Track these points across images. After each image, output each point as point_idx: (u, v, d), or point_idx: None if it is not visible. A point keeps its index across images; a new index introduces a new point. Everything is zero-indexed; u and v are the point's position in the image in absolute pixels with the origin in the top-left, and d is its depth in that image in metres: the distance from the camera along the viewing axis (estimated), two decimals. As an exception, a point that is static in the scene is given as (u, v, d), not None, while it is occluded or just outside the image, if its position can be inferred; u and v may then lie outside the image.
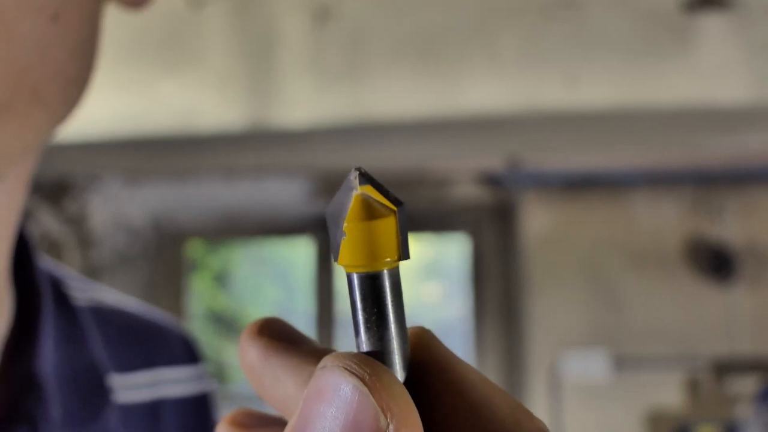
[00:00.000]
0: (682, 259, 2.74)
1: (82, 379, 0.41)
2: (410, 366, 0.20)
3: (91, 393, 0.41)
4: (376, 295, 0.20)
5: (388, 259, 0.20)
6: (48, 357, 0.39)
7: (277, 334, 0.22)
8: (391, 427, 0.18)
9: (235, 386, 3.24)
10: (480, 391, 0.20)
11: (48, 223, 2.94)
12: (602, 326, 2.73)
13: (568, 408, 2.69)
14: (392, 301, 0.20)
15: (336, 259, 0.20)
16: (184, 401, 0.47)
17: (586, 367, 2.66)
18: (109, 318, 0.46)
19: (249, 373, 0.22)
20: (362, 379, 0.18)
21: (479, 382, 0.20)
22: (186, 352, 0.50)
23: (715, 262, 2.70)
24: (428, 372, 0.20)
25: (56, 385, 0.39)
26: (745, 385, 2.64)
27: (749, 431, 2.49)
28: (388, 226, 0.20)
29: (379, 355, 0.20)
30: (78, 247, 2.94)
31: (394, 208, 0.20)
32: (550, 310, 2.75)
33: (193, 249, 3.16)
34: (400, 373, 0.20)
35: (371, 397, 0.18)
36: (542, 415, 2.72)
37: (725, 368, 2.66)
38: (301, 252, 3.18)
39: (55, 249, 2.91)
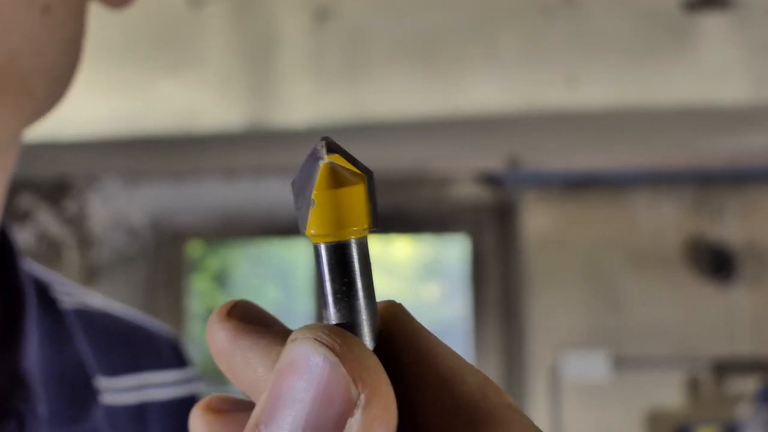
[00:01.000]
0: (682, 259, 2.74)
1: (69, 378, 0.41)
2: (380, 338, 0.20)
3: (79, 392, 0.41)
4: (345, 266, 0.19)
5: (356, 228, 0.19)
6: (33, 355, 0.39)
7: (246, 316, 0.21)
8: (362, 397, 0.17)
9: (234, 387, 3.24)
10: (448, 365, 0.20)
11: (48, 223, 2.94)
12: (602, 326, 2.73)
13: (568, 408, 2.69)
14: (361, 272, 0.20)
15: (303, 230, 0.20)
16: (170, 404, 0.47)
17: (586, 367, 2.66)
18: (95, 321, 0.46)
19: (218, 356, 0.21)
20: (332, 350, 0.18)
21: (448, 355, 0.20)
22: (173, 356, 0.50)
23: (715, 262, 2.70)
24: (397, 344, 0.20)
25: (42, 383, 0.39)
26: (745, 385, 2.64)
27: (749, 431, 2.49)
28: (357, 193, 0.19)
29: (348, 326, 0.19)
30: (78, 247, 2.94)
31: (364, 175, 0.19)
32: (550, 310, 2.75)
33: (193, 249, 3.15)
34: (369, 345, 0.20)
35: (342, 367, 0.18)
36: (542, 415, 2.73)
37: (725, 368, 2.66)
38: (301, 252, 3.18)
39: (54, 249, 2.91)
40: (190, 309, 3.05)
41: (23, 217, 2.91)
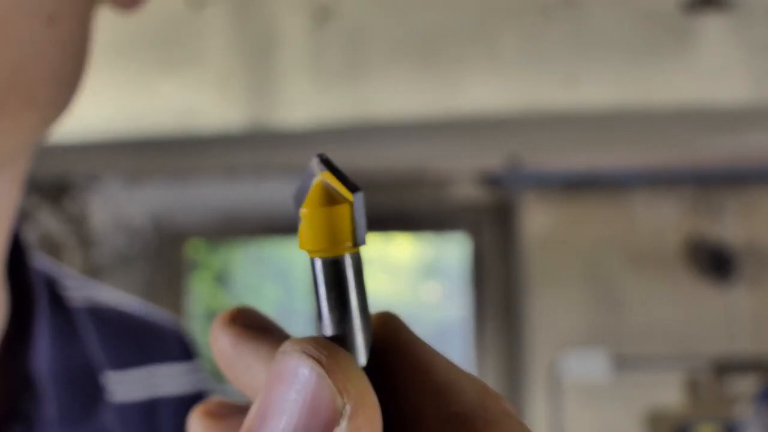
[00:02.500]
0: (682, 259, 2.74)
1: (78, 378, 0.41)
2: (374, 349, 0.21)
3: (87, 392, 0.41)
4: (337, 280, 0.20)
5: (349, 244, 0.20)
6: (43, 356, 0.39)
7: (248, 323, 0.22)
8: (348, 407, 0.18)
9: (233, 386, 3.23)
10: (445, 374, 0.20)
11: (48, 223, 2.94)
12: (602, 326, 2.73)
13: (568, 408, 2.69)
14: (354, 286, 0.20)
15: (298, 244, 0.20)
16: (179, 399, 0.47)
17: (586, 367, 2.66)
18: (104, 316, 0.46)
19: (221, 361, 0.22)
20: (319, 362, 0.18)
21: (444, 365, 0.20)
22: (182, 350, 0.50)
23: (715, 262, 2.70)
24: (393, 356, 0.21)
25: (51, 384, 0.39)
26: (745, 385, 2.64)
27: (749, 431, 2.49)
28: (343, 212, 0.20)
29: (340, 339, 0.20)
30: (78, 247, 2.94)
31: (350, 195, 0.20)
32: (550, 310, 2.75)
33: (193, 249, 3.15)
34: (362, 357, 0.20)
35: (328, 378, 0.18)
36: (542, 415, 2.73)
37: (725, 368, 2.67)
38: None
39: (55, 249, 2.91)
40: (190, 309, 3.05)
41: (24, 217, 2.91)
